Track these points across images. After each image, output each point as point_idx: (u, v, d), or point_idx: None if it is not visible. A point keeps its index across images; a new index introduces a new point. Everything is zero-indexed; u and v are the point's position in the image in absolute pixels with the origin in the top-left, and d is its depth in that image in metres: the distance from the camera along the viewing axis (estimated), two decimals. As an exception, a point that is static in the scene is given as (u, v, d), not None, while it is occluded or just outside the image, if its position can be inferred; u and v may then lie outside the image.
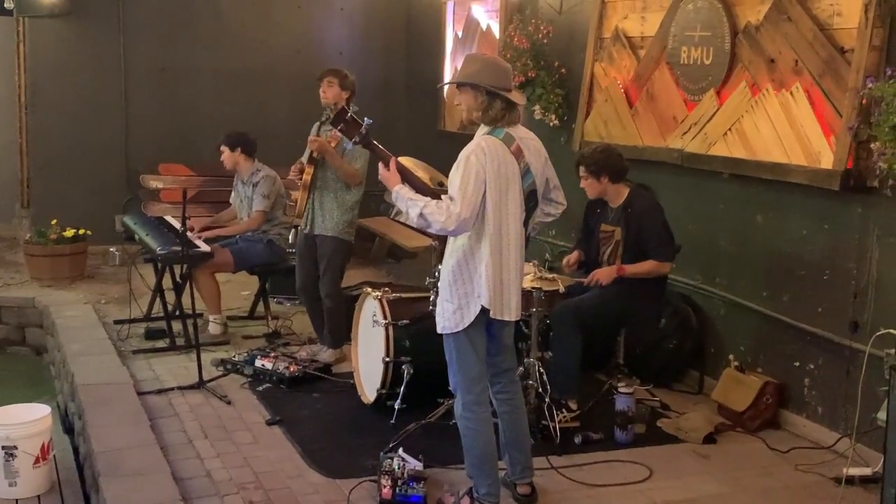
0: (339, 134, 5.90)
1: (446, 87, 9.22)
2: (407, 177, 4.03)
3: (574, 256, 5.55)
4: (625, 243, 5.29)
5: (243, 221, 6.96)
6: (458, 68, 4.15)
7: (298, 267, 6.32)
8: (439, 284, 4.11)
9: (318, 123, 6.19)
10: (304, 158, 6.15)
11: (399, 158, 4.13)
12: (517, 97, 4.04)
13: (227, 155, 6.92)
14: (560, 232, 7.06)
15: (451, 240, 4.02)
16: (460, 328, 3.96)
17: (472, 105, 3.99)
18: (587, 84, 6.85)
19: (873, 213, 4.71)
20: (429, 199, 3.88)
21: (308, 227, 6.10)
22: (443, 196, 3.87)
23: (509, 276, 3.95)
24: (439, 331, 4.04)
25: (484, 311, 3.91)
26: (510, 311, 3.98)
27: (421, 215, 3.84)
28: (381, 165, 4.07)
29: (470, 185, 3.82)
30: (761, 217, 5.43)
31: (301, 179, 6.01)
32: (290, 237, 7.33)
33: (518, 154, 3.96)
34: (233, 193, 7.16)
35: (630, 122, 6.44)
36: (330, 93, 6.07)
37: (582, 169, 5.32)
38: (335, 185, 6.01)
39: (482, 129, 4.03)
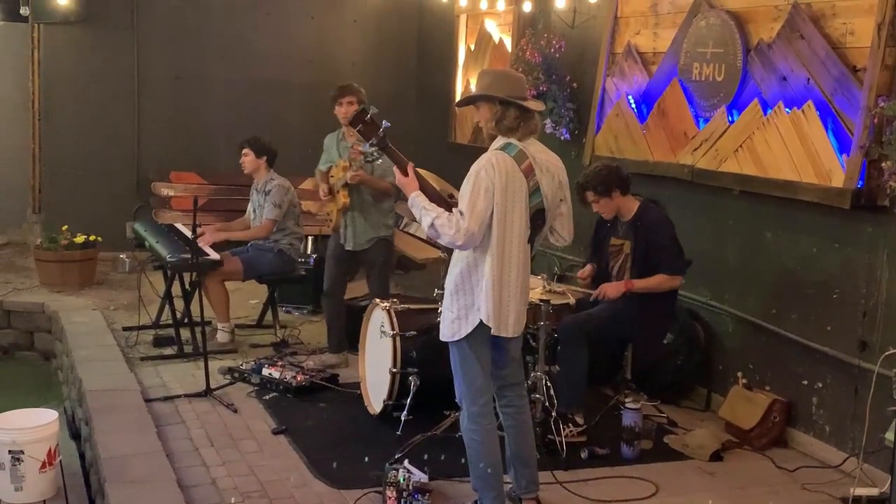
0: (359, 150, 5.99)
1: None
2: (421, 184, 4.03)
3: (588, 270, 5.56)
4: (633, 257, 5.28)
5: (253, 229, 6.98)
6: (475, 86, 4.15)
7: (331, 270, 6.38)
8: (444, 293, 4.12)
9: (335, 137, 6.24)
10: (323, 167, 6.27)
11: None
12: (534, 104, 4.02)
13: (251, 159, 6.94)
14: (568, 245, 7.03)
15: (455, 251, 4.02)
16: (457, 338, 3.97)
17: (487, 117, 4.00)
18: (598, 98, 6.86)
19: (883, 233, 4.69)
20: (442, 210, 3.89)
21: (352, 244, 6.22)
22: (454, 209, 3.88)
23: (509, 292, 3.95)
24: (441, 338, 4.06)
25: (485, 325, 3.91)
26: (507, 328, 3.98)
27: (432, 226, 3.86)
28: (397, 171, 4.09)
29: (479, 200, 3.83)
30: (771, 234, 5.42)
31: (338, 204, 6.13)
32: (301, 247, 7.35)
33: (528, 172, 3.94)
34: (249, 204, 7.18)
35: (641, 137, 6.44)
36: (351, 111, 6.11)
37: (590, 194, 5.28)
38: (372, 200, 6.16)
39: (495, 143, 4.03)
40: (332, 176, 6.21)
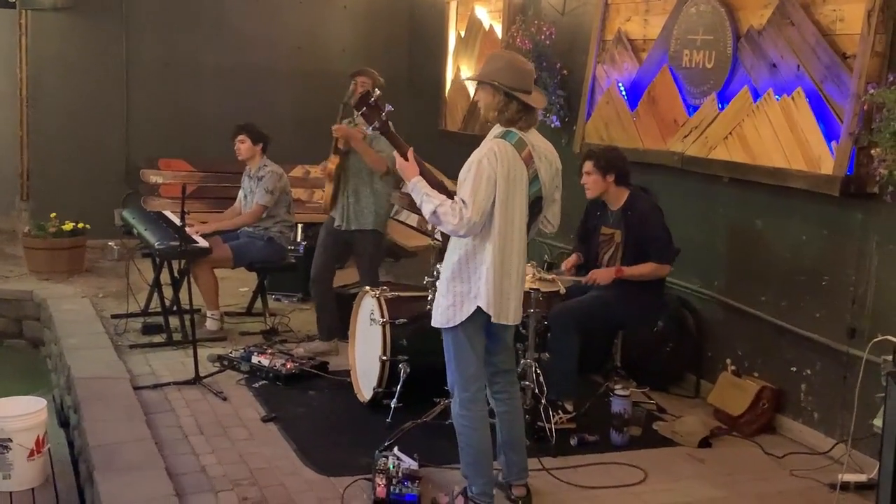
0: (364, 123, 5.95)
1: (448, 88, 9.24)
2: (422, 169, 4.02)
3: (573, 260, 5.56)
4: (624, 246, 5.29)
5: (242, 215, 6.95)
6: (483, 65, 4.11)
7: (319, 258, 6.35)
8: (439, 280, 4.11)
9: (341, 107, 6.24)
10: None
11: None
12: (537, 100, 4.00)
13: (247, 146, 6.91)
14: (559, 233, 7.00)
15: (454, 238, 4.01)
16: (450, 325, 3.96)
17: (489, 104, 3.98)
18: (588, 86, 6.84)
19: (873, 220, 4.70)
20: (444, 197, 3.87)
21: (344, 223, 6.17)
22: (455, 198, 3.86)
23: (510, 280, 3.94)
24: (432, 324, 4.05)
25: (481, 313, 3.90)
26: (508, 316, 3.97)
27: (434, 213, 3.84)
28: (397, 155, 4.08)
29: (481, 189, 3.81)
30: (761, 221, 5.42)
31: (327, 169, 6.09)
32: (291, 235, 7.33)
33: (528, 161, 3.94)
34: (240, 191, 7.15)
35: (631, 124, 6.43)
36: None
37: (589, 164, 5.31)
38: (368, 177, 6.10)
39: (494, 131, 4.01)
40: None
